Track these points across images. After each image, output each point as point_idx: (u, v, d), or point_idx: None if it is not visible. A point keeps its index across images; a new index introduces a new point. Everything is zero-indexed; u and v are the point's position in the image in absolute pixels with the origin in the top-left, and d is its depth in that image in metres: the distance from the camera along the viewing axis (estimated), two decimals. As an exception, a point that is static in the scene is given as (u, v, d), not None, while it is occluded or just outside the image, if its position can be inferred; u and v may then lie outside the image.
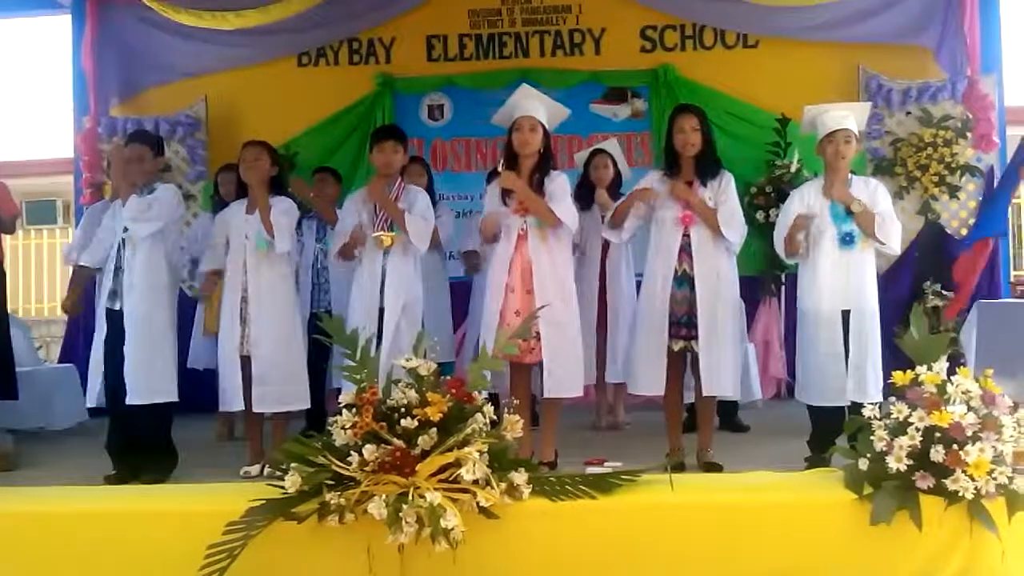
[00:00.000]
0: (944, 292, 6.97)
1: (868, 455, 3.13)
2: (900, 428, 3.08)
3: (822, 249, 4.54)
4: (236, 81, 7.83)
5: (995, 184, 7.17)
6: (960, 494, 2.98)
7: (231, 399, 4.86)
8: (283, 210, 4.83)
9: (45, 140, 15.85)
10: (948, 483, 2.99)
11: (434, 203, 5.23)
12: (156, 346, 4.68)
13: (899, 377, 3.20)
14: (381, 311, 4.68)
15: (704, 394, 4.57)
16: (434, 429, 3.08)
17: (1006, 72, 7.48)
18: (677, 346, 4.54)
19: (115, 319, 4.69)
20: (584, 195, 5.74)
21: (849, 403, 4.39)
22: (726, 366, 4.52)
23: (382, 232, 4.70)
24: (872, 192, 4.59)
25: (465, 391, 3.22)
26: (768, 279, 7.14)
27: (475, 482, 3.05)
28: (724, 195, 4.55)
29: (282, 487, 3.13)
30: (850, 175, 4.65)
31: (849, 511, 3.10)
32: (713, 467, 4.50)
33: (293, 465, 3.15)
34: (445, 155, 7.86)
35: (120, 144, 5.14)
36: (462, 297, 6.37)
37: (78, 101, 8.01)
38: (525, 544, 3.13)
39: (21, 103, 17.92)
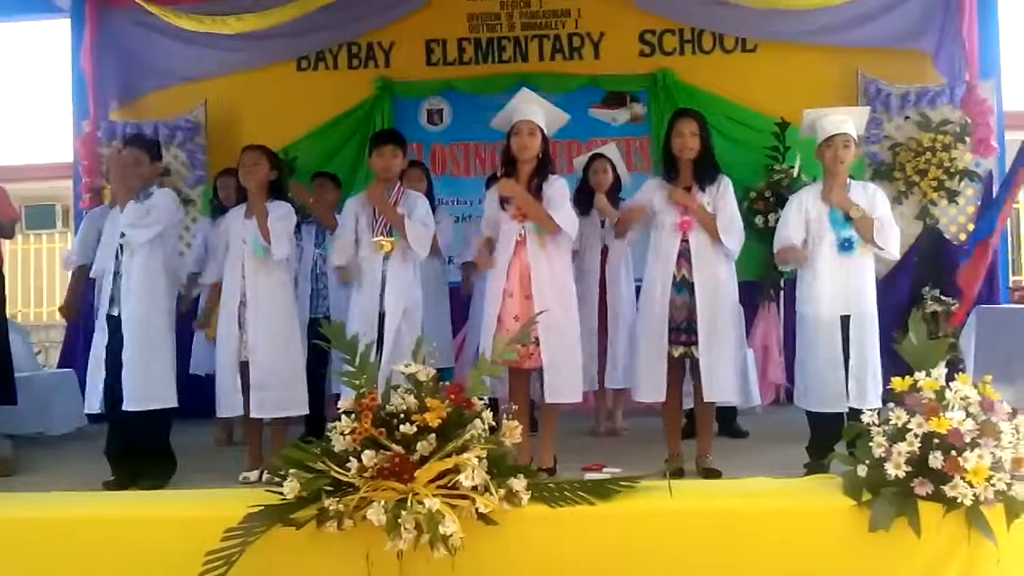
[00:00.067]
0: (943, 297, 6.97)
1: (867, 461, 3.13)
2: (899, 434, 3.08)
3: (821, 254, 4.55)
4: (235, 85, 7.84)
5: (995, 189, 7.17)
6: (959, 500, 2.98)
7: (228, 404, 4.86)
8: (280, 215, 4.82)
9: (44, 144, 15.90)
10: (947, 489, 2.99)
11: (433, 208, 5.23)
12: (154, 351, 4.67)
13: (898, 383, 3.20)
14: (381, 316, 4.68)
15: (705, 400, 4.57)
16: (433, 435, 3.08)
17: (1004, 77, 7.49)
18: (677, 352, 4.54)
19: (114, 324, 4.69)
20: (583, 200, 5.74)
21: (848, 409, 4.39)
22: (727, 372, 4.52)
23: (381, 237, 4.71)
24: (871, 197, 4.60)
25: (464, 397, 3.22)
26: (767, 284, 7.14)
27: (474, 488, 3.05)
28: (722, 200, 4.56)
29: (281, 493, 3.13)
30: (849, 180, 4.66)
31: (848, 517, 3.10)
32: (712, 473, 4.49)
33: (292, 471, 3.15)
34: (444, 159, 7.86)
35: (118, 149, 5.14)
36: (461, 302, 6.37)
37: (77, 105, 8.01)
38: (524, 550, 3.13)
39: (20, 107, 17.96)
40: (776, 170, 7.25)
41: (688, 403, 4.82)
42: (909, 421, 3.07)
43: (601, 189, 5.84)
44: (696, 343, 4.49)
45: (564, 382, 4.48)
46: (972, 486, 2.97)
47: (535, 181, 4.52)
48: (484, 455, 3.11)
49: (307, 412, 5.03)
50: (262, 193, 4.87)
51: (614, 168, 5.95)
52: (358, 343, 3.39)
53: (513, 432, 3.25)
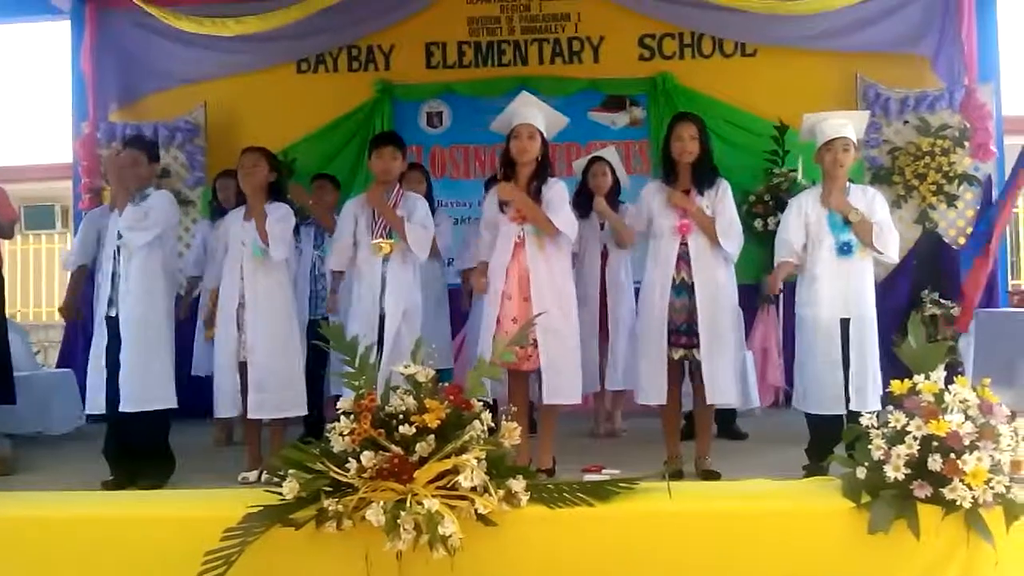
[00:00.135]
0: (942, 301, 6.98)
1: (866, 464, 3.13)
2: (898, 437, 3.08)
3: (820, 258, 4.55)
4: (235, 87, 7.85)
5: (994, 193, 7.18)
6: (957, 503, 2.98)
7: (225, 405, 4.87)
8: (279, 217, 4.83)
9: (44, 145, 15.92)
10: (946, 492, 2.99)
11: (433, 210, 5.24)
12: (152, 352, 4.67)
13: (897, 386, 3.20)
14: (381, 318, 4.68)
15: (708, 402, 4.57)
16: (432, 436, 3.08)
17: (1004, 81, 7.50)
18: (677, 354, 4.54)
19: (112, 326, 4.69)
20: (582, 203, 5.74)
21: (847, 412, 4.40)
22: (728, 374, 4.52)
23: (381, 239, 4.72)
24: (870, 201, 4.60)
25: (463, 398, 3.22)
26: (766, 287, 7.13)
27: (473, 489, 3.05)
28: (721, 204, 4.56)
29: (280, 493, 3.13)
30: (848, 183, 4.66)
31: (847, 520, 3.10)
32: (711, 475, 4.50)
33: (291, 471, 3.14)
34: (444, 162, 7.87)
35: (116, 151, 5.15)
36: (461, 304, 6.37)
37: (77, 106, 8.02)
38: (523, 551, 3.12)
39: (20, 108, 17.95)
40: (775, 174, 7.27)
41: (687, 405, 4.82)
42: (908, 424, 3.07)
43: (600, 192, 5.84)
44: (696, 345, 4.50)
45: (562, 383, 4.48)
46: (971, 489, 2.97)
47: (534, 184, 4.53)
48: (483, 456, 3.11)
49: (306, 413, 5.03)
50: (261, 195, 4.87)
51: (613, 171, 5.95)
52: (357, 344, 3.39)
53: (512, 433, 3.25)
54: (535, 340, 4.41)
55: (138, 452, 4.66)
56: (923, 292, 7.07)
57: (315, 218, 5.95)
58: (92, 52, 7.85)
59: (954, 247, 7.24)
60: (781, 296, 7.04)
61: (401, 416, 3.13)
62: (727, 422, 5.78)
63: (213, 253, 5.17)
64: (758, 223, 7.04)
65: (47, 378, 6.69)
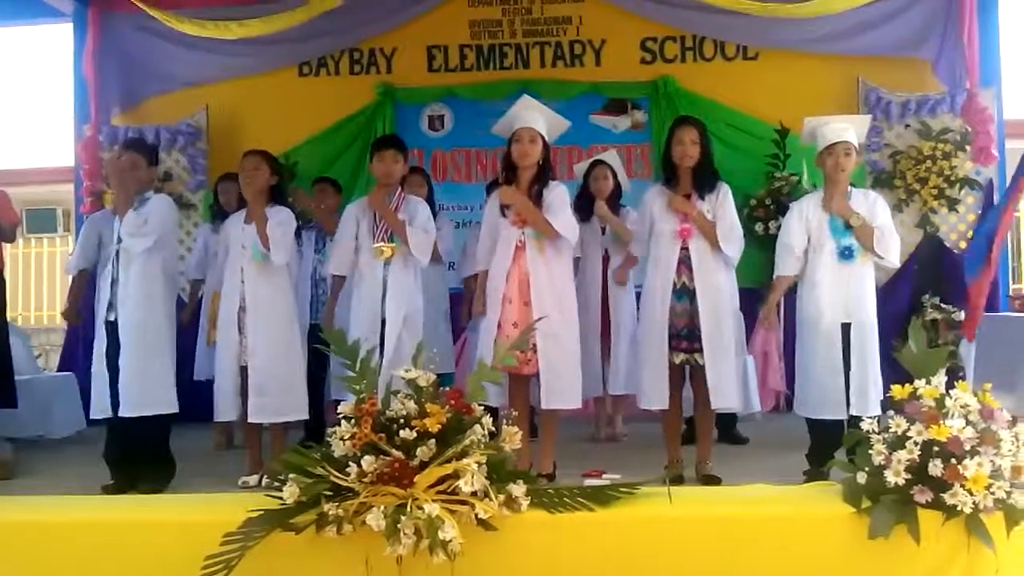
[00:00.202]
0: (943, 305, 6.98)
1: (866, 469, 3.13)
2: (898, 442, 3.08)
3: (822, 262, 4.55)
4: (237, 90, 7.86)
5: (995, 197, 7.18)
6: (958, 508, 2.97)
7: (226, 408, 4.87)
8: (280, 221, 4.82)
9: (46, 148, 15.89)
10: (946, 497, 2.98)
11: (434, 213, 5.24)
12: (151, 356, 4.68)
13: (898, 391, 3.20)
14: (383, 323, 4.68)
15: (713, 407, 4.56)
16: (433, 440, 3.08)
17: (1005, 85, 7.50)
18: (678, 359, 4.54)
19: (112, 330, 4.70)
20: (584, 206, 5.75)
21: (848, 416, 4.39)
22: (730, 379, 4.52)
23: (382, 243, 4.71)
24: (871, 205, 4.60)
25: (464, 402, 3.22)
26: (767, 291, 7.12)
27: (473, 494, 3.05)
28: (722, 208, 4.56)
29: (280, 497, 3.12)
30: (849, 187, 4.66)
31: (847, 525, 3.10)
32: (712, 480, 4.49)
33: (291, 476, 3.14)
34: (445, 165, 7.88)
35: (118, 154, 5.16)
36: (462, 308, 6.36)
37: (79, 109, 8.03)
38: (523, 556, 3.12)
39: (22, 111, 17.97)
40: (776, 177, 7.27)
41: (688, 410, 4.82)
42: (909, 429, 3.07)
43: (602, 196, 5.84)
44: (697, 350, 4.49)
45: (562, 388, 4.48)
46: (972, 494, 2.96)
47: (536, 188, 4.53)
48: (484, 461, 3.10)
49: (307, 417, 5.04)
50: (261, 199, 4.87)
51: (615, 175, 5.95)
52: (358, 348, 3.39)
53: (513, 438, 3.25)
54: (535, 344, 4.41)
55: (139, 456, 4.66)
56: (924, 297, 7.06)
57: (319, 222, 5.95)
58: (94, 55, 7.86)
59: (955, 251, 7.24)
60: (782, 300, 7.05)
61: (402, 420, 3.13)
62: (728, 427, 5.78)
63: (215, 256, 5.17)
64: (759, 227, 7.04)
65: (48, 382, 6.69)
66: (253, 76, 7.87)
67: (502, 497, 3.09)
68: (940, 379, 3.18)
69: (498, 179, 4.86)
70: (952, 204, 7.26)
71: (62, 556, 3.25)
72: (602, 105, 7.79)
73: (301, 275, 5.67)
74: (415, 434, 3.08)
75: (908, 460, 3.04)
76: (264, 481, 4.54)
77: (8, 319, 5.58)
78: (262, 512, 3.11)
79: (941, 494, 3.00)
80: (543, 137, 4.55)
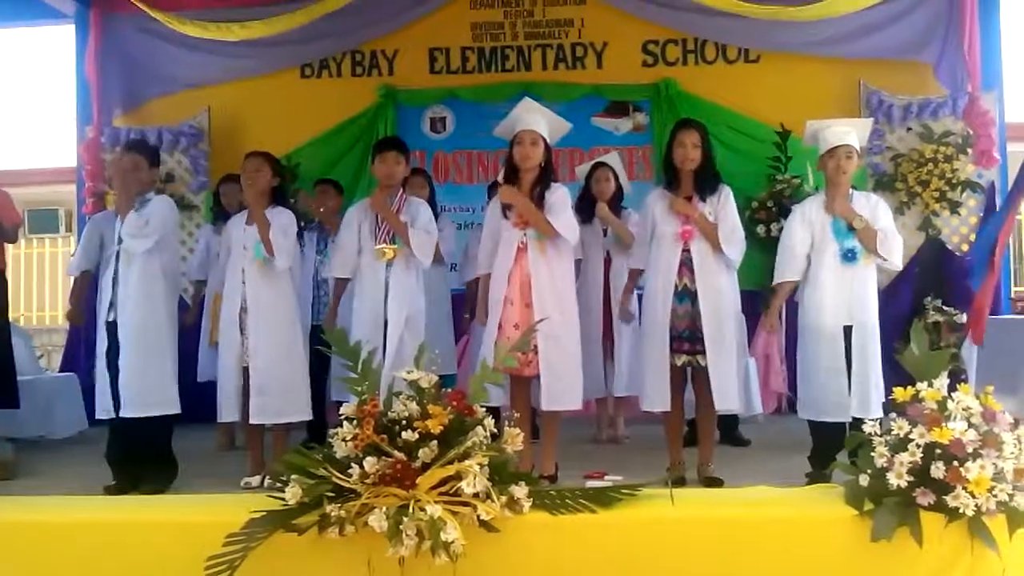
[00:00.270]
0: (945, 308, 6.97)
1: (869, 471, 3.12)
2: (901, 444, 3.08)
3: (824, 265, 4.55)
4: (239, 92, 7.87)
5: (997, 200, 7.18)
6: (961, 511, 2.97)
7: (227, 409, 4.87)
8: (282, 226, 4.82)
9: (48, 149, 15.86)
10: (949, 500, 2.98)
11: (436, 215, 5.24)
12: (152, 357, 4.68)
13: (900, 393, 3.20)
14: (385, 324, 4.69)
15: (717, 409, 4.55)
16: (435, 442, 3.08)
17: (1007, 88, 7.51)
18: (679, 361, 4.54)
19: (112, 331, 4.70)
20: (585, 208, 5.75)
21: (850, 419, 4.39)
22: (731, 381, 4.52)
23: (384, 245, 4.72)
24: (873, 207, 4.61)
25: (466, 404, 3.22)
26: (769, 293, 7.11)
27: (475, 495, 3.05)
28: (724, 210, 4.56)
29: (283, 498, 3.13)
30: (851, 190, 4.67)
31: (850, 527, 3.09)
32: (714, 482, 4.49)
33: (294, 477, 3.14)
34: (447, 167, 7.88)
35: (120, 154, 5.18)
36: (464, 308, 6.37)
37: (81, 110, 8.04)
38: (525, 558, 3.12)
39: (24, 112, 17.98)
40: (778, 180, 7.26)
41: (689, 411, 4.82)
42: (911, 431, 3.07)
43: (603, 198, 5.85)
44: (699, 352, 4.49)
45: (563, 389, 4.49)
46: (974, 496, 2.96)
47: (537, 190, 4.54)
48: (486, 462, 3.10)
49: (309, 418, 5.04)
50: (263, 200, 4.88)
51: (616, 177, 5.96)
52: (360, 349, 3.39)
53: (515, 439, 3.25)
54: (536, 346, 4.41)
55: (141, 456, 4.66)
56: (926, 299, 7.05)
57: (325, 225, 5.96)
58: (96, 56, 7.87)
59: (957, 254, 7.24)
60: (784, 303, 7.05)
61: (404, 422, 3.13)
62: (730, 429, 5.78)
63: (216, 258, 5.18)
64: (760, 229, 7.03)
65: (50, 382, 6.70)
66: (255, 78, 7.87)
67: (504, 498, 3.09)
68: (942, 382, 3.18)
69: (498, 180, 4.86)
70: (954, 207, 7.26)
71: (64, 557, 3.25)
72: (604, 107, 7.80)
73: (303, 276, 5.65)
74: (417, 435, 3.08)
75: (910, 462, 3.03)
76: (266, 482, 4.54)
77: (10, 319, 5.58)
78: (264, 513, 3.11)
79: (943, 496, 2.99)
80: (545, 139, 4.56)
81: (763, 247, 6.67)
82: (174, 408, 4.75)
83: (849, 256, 4.51)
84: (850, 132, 4.61)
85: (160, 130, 7.77)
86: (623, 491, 3.23)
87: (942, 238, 7.30)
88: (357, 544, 3.05)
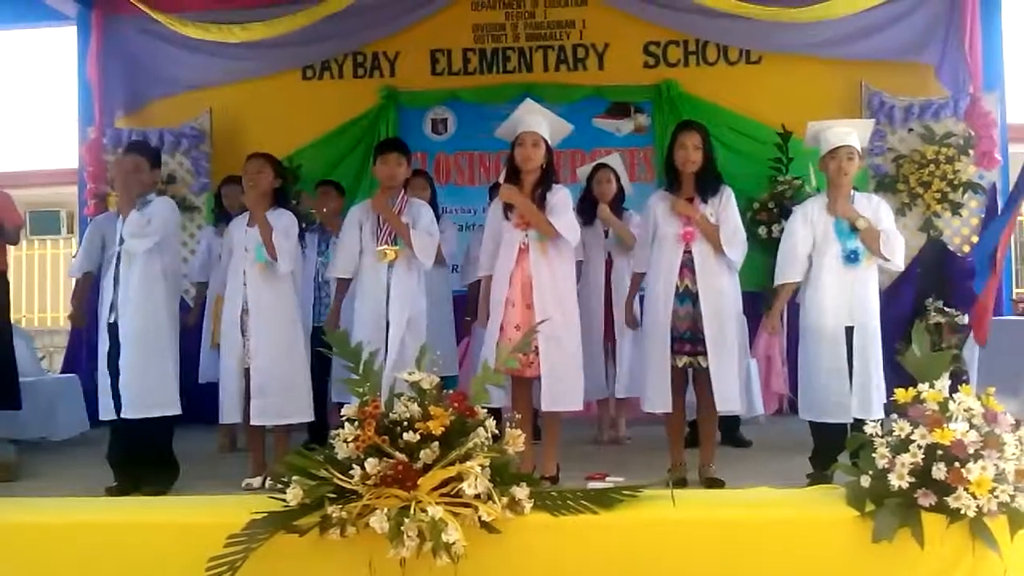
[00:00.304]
0: (946, 309, 6.97)
1: (870, 472, 3.12)
2: (902, 445, 3.07)
3: (826, 266, 4.55)
4: (241, 94, 7.87)
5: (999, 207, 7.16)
6: (962, 512, 2.97)
7: (230, 410, 4.87)
8: (283, 229, 4.82)
9: (50, 150, 15.88)
10: (950, 501, 2.98)
11: (437, 216, 5.24)
12: (152, 358, 4.68)
13: (901, 394, 3.20)
14: (387, 325, 4.69)
15: (719, 410, 4.56)
16: (436, 443, 3.08)
17: (1008, 90, 7.51)
18: (681, 362, 4.54)
19: (113, 332, 4.70)
20: (587, 210, 5.75)
21: (851, 420, 4.39)
22: (734, 382, 4.52)
23: (386, 246, 4.72)
24: (875, 209, 4.61)
25: (467, 405, 3.22)
26: (770, 294, 7.11)
27: (477, 496, 3.05)
28: (725, 211, 4.56)
29: (284, 500, 3.13)
30: (852, 191, 4.66)
31: (851, 528, 3.09)
32: (715, 483, 4.49)
33: (295, 478, 3.14)
34: (448, 169, 7.89)
35: (119, 156, 5.19)
36: (465, 310, 6.37)
37: (83, 112, 8.05)
38: (526, 559, 3.12)
39: (26, 113, 18.01)
40: (779, 181, 7.26)
41: (691, 412, 4.82)
42: (912, 432, 3.07)
43: (605, 199, 5.85)
44: (700, 353, 4.49)
45: (563, 390, 4.49)
46: (976, 497, 2.96)
47: (539, 191, 4.54)
48: (487, 463, 3.10)
49: (311, 419, 5.05)
50: (265, 202, 4.88)
51: (618, 178, 5.96)
52: (362, 351, 3.39)
53: (516, 440, 3.25)
54: (537, 347, 4.41)
55: (142, 458, 4.66)
56: (927, 300, 7.05)
57: (328, 227, 5.97)
58: (98, 58, 7.87)
59: (959, 255, 7.24)
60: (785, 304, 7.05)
61: (405, 423, 3.13)
62: (731, 430, 5.78)
63: (218, 259, 5.18)
64: (762, 230, 7.03)
65: (52, 383, 6.70)
66: (256, 79, 7.88)
67: (505, 500, 3.09)
68: (944, 383, 3.18)
69: (499, 181, 4.86)
70: (955, 208, 7.26)
71: (65, 558, 3.25)
72: (605, 109, 7.80)
73: (304, 278, 5.67)
74: (418, 437, 3.08)
75: (912, 464, 3.03)
76: (268, 483, 4.55)
77: (12, 321, 5.58)
78: (266, 514, 3.11)
79: (945, 498, 2.99)
80: (546, 141, 4.56)
81: (764, 248, 6.67)
82: (174, 409, 4.75)
83: (851, 257, 4.51)
84: (851, 133, 4.62)
85: (162, 131, 7.77)
86: (624, 492, 3.23)
87: (943, 239, 7.30)
88: (358, 545, 3.05)
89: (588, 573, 3.14)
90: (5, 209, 5.40)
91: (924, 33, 7.43)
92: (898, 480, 3.03)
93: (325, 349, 3.62)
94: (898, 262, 4.58)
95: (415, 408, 3.17)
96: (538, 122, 4.56)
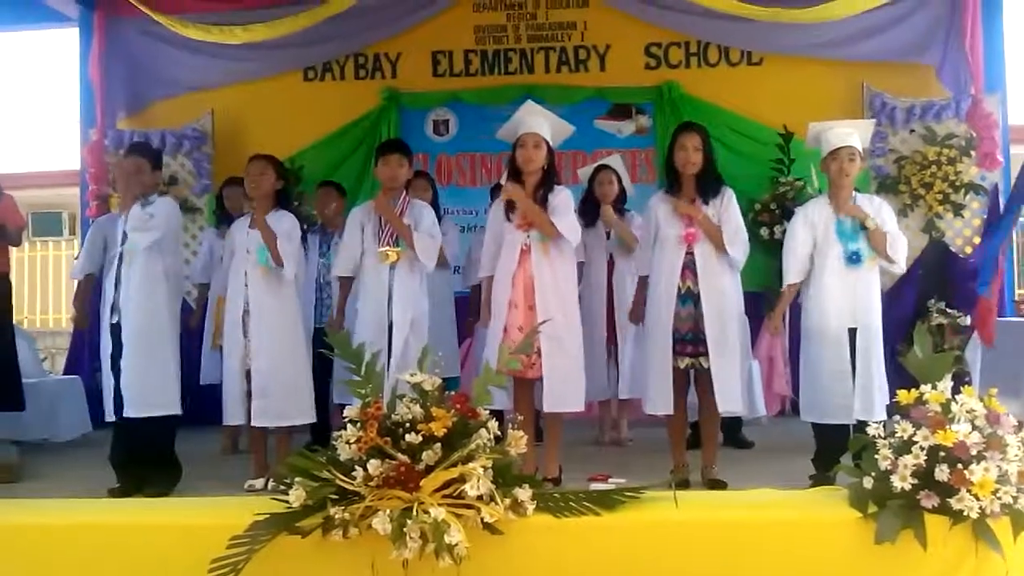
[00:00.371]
0: (948, 310, 6.97)
1: (873, 473, 3.12)
2: (905, 447, 3.07)
3: (828, 267, 4.55)
4: (242, 95, 7.88)
5: (1000, 208, 7.16)
6: (965, 513, 2.97)
7: (232, 412, 4.87)
8: (286, 232, 4.82)
9: (52, 152, 15.92)
10: (953, 502, 2.98)
11: (439, 218, 5.24)
12: (154, 358, 4.68)
13: (904, 396, 3.20)
14: (389, 327, 4.69)
15: (721, 411, 4.56)
16: (438, 444, 3.08)
17: (1010, 91, 7.52)
18: (682, 363, 4.54)
19: (116, 332, 4.70)
20: (589, 211, 5.75)
21: (854, 421, 4.39)
22: (736, 383, 4.52)
23: (387, 247, 4.72)
24: (876, 210, 4.61)
25: (469, 406, 3.22)
26: (772, 295, 7.10)
27: (479, 498, 3.05)
28: (727, 212, 4.56)
29: (286, 501, 3.13)
30: (854, 193, 4.66)
31: (853, 530, 3.09)
32: (717, 484, 4.49)
33: (297, 479, 3.14)
34: (450, 170, 7.89)
35: (120, 157, 5.19)
36: (467, 311, 6.37)
37: (85, 114, 8.06)
38: (529, 560, 3.12)
39: (28, 115, 18.02)
40: (781, 182, 7.27)
41: (692, 414, 4.81)
42: (915, 434, 3.06)
43: (606, 200, 5.85)
44: (702, 354, 4.49)
45: (565, 392, 4.49)
46: (978, 499, 2.96)
47: (541, 192, 4.54)
48: (489, 465, 3.10)
49: (312, 421, 5.04)
50: (266, 203, 4.88)
51: (619, 179, 5.96)
52: (363, 352, 3.39)
53: (518, 442, 3.25)
54: (539, 348, 4.41)
55: (144, 459, 4.66)
56: (929, 302, 7.05)
57: (326, 227, 5.97)
58: (100, 59, 7.88)
59: (961, 256, 7.23)
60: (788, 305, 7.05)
61: (408, 424, 3.13)
62: (733, 431, 5.78)
63: (220, 261, 5.18)
64: (764, 231, 7.04)
65: (54, 385, 6.70)
66: (258, 81, 7.89)
67: (508, 501, 3.09)
68: (946, 384, 3.18)
69: (500, 182, 4.86)
70: (957, 209, 7.26)
71: (67, 559, 3.25)
72: (606, 110, 7.81)
73: (306, 279, 5.66)
74: (421, 438, 3.08)
75: (914, 465, 3.03)
76: (270, 485, 4.54)
77: (14, 322, 5.59)
78: (268, 516, 3.11)
79: (947, 499, 2.99)
80: (548, 142, 4.56)
81: (766, 249, 6.68)
82: (175, 409, 4.75)
83: (853, 258, 4.51)
84: (852, 134, 4.62)
85: (163, 133, 7.78)
86: (627, 493, 3.23)
87: (945, 240, 7.30)
88: (361, 547, 3.05)
89: (591, 574, 3.14)
90: (7, 211, 5.41)
91: (925, 34, 7.43)
92: (901, 482, 3.03)
93: (327, 350, 3.61)
94: (901, 263, 4.58)
95: (417, 409, 3.17)
96: (539, 123, 4.56)
